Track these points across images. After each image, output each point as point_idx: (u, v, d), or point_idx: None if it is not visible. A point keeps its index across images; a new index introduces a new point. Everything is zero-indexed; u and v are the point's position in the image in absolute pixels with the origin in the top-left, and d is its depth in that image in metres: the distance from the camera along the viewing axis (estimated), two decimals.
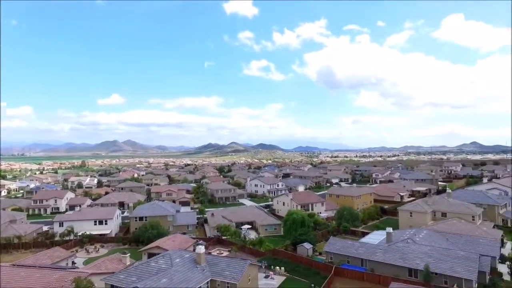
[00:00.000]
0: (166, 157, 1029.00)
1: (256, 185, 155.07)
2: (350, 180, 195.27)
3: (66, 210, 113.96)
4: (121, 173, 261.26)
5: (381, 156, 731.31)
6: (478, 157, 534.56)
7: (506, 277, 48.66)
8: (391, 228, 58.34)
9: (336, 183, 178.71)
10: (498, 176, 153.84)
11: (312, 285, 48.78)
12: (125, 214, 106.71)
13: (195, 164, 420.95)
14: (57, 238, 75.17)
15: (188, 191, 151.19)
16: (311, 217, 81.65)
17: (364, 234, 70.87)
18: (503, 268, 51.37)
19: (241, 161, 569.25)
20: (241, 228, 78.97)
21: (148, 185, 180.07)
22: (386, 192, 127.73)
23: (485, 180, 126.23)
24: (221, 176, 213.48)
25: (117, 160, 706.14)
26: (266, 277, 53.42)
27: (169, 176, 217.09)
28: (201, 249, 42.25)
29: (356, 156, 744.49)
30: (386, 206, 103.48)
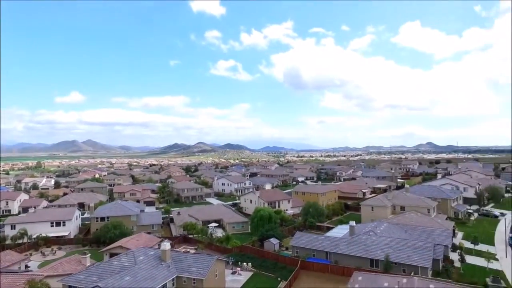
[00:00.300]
0: (130, 157, 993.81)
1: (223, 184, 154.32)
2: (315, 179, 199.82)
3: (19, 213, 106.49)
4: (81, 173, 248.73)
5: (344, 156, 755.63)
6: (433, 156, 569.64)
7: (457, 264, 52.22)
8: (354, 222, 60.50)
9: (302, 181, 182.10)
10: (450, 173, 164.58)
11: (279, 278, 49.41)
12: (86, 215, 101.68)
13: (160, 164, 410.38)
14: (8, 242, 69.98)
15: (153, 191, 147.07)
16: (278, 214, 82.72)
17: (329, 229, 72.81)
18: (454, 256, 55.07)
19: (208, 161, 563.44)
20: (208, 227, 78.19)
21: (110, 185, 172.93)
22: (349, 189, 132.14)
23: (439, 176, 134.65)
24: (188, 176, 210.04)
25: (77, 161, 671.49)
26: (233, 273, 53.32)
27: (132, 176, 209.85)
28: (166, 245, 41.28)
29: (321, 156, 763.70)
30: (349, 202, 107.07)
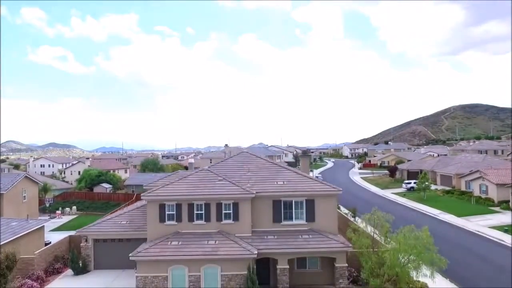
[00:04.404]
0: None
1: (42, 166, 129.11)
2: None
3: None
4: None
5: None
6: None
7: None
8: (193, 160, 61.23)
9: None
10: None
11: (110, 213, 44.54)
12: None
13: None
14: None
15: None
16: (114, 177, 75.28)
17: None
18: None
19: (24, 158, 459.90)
20: None
21: None
22: None
23: None
24: None
25: None
26: (52, 218, 44.84)
27: None
28: None
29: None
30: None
